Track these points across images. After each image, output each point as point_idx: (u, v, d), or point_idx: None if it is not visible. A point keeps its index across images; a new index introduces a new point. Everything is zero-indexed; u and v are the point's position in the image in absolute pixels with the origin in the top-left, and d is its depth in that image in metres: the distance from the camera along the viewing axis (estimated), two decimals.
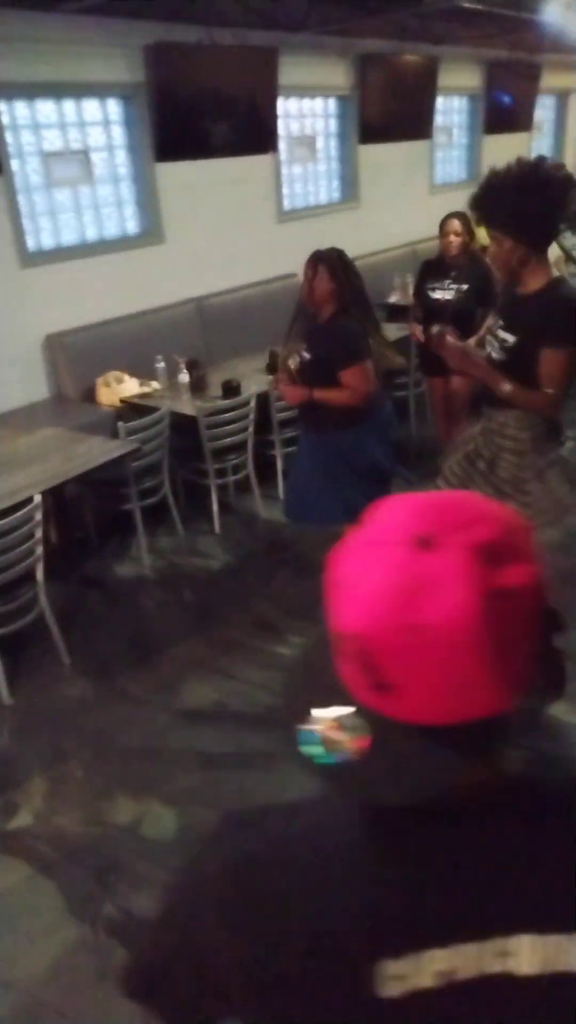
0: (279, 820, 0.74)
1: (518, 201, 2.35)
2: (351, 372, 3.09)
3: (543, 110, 9.42)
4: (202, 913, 0.71)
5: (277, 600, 3.75)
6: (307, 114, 6.51)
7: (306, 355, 3.22)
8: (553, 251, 4.95)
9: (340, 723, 0.64)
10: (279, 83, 5.61)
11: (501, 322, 2.59)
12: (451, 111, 8.04)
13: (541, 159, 2.44)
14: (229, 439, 4.32)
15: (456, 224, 4.49)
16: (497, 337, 2.58)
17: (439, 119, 7.55)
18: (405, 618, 0.59)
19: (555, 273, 2.58)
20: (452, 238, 4.50)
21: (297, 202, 6.52)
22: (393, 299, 6.56)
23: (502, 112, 8.21)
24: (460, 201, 8.18)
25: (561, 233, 5.49)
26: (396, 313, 6.37)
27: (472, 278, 4.43)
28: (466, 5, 5.76)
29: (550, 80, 8.87)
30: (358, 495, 3.12)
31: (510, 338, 2.52)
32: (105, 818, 2.63)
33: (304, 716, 0.66)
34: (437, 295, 4.60)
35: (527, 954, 0.65)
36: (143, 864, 2.43)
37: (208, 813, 2.59)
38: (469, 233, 4.57)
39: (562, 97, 9.79)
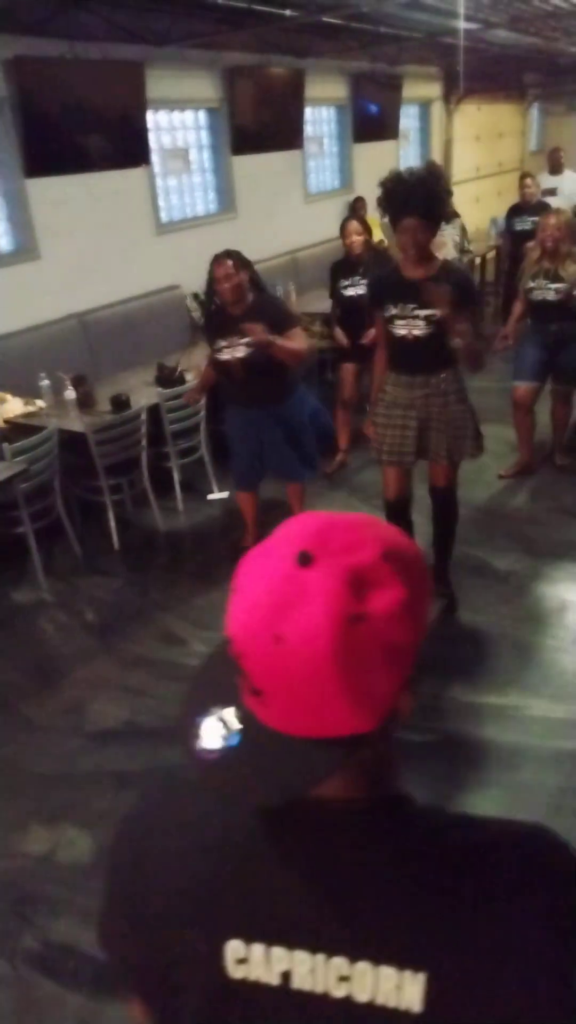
0: (185, 790, 0.77)
1: (427, 194, 2.97)
2: (296, 331, 3.65)
3: (408, 119, 9.79)
4: (111, 851, 0.80)
5: (183, 612, 3.75)
6: (178, 126, 6.53)
7: (246, 340, 3.52)
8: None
9: (222, 720, 0.67)
10: (148, 96, 5.61)
11: (412, 304, 3.11)
12: (320, 121, 8.24)
13: (430, 163, 3.19)
14: (122, 454, 4.28)
15: (356, 225, 4.91)
16: (417, 316, 3.12)
17: (309, 129, 7.73)
18: (271, 628, 0.61)
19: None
20: (355, 238, 4.86)
21: (175, 214, 6.53)
22: None
23: (369, 121, 8.48)
24: (335, 208, 8.45)
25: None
26: None
27: (379, 271, 4.66)
28: (327, 20, 5.95)
29: (412, 90, 9.24)
30: (314, 448, 4.08)
31: (435, 312, 3.05)
32: (18, 850, 2.56)
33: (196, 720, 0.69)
34: (350, 292, 4.92)
35: (366, 982, 0.66)
36: (60, 891, 2.39)
37: None
38: (367, 231, 5.01)
39: (425, 106, 10.20)
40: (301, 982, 0.68)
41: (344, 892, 0.68)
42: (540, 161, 8.52)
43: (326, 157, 8.47)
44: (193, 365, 4.90)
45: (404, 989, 0.66)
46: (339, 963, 0.67)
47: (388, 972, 0.66)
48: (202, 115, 6.69)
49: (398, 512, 3.51)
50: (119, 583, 4.08)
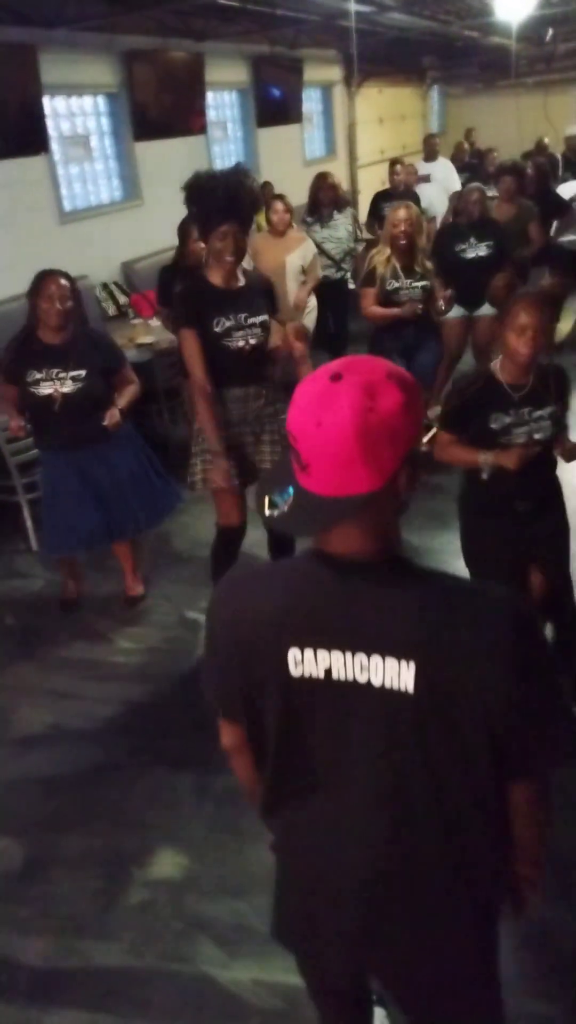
0: (257, 567, 1.39)
1: (253, 201, 2.89)
2: (129, 370, 3.43)
3: (311, 102, 9.79)
4: (210, 618, 1.22)
5: (106, 609, 3.68)
6: (78, 112, 6.36)
7: (74, 373, 3.17)
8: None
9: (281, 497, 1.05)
10: (43, 81, 5.43)
11: (244, 313, 2.94)
12: (223, 106, 8.16)
13: (238, 166, 3.12)
14: (35, 450, 4.16)
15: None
16: (253, 324, 2.95)
17: (212, 114, 7.64)
18: (314, 418, 0.97)
19: None
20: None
21: (79, 203, 6.36)
22: None
23: (272, 105, 8.44)
24: None
25: (310, 226, 5.76)
26: None
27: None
28: (223, 2, 5.87)
29: (313, 74, 9.23)
30: (163, 473, 3.68)
31: (265, 317, 2.99)
32: None
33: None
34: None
35: (379, 670, 1.05)
36: None
37: (58, 838, 2.52)
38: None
39: (327, 89, 10.21)
40: (337, 674, 1.07)
41: (363, 611, 1.05)
42: (442, 142, 8.61)
43: (231, 142, 8.39)
44: None
45: (401, 675, 1.03)
46: (360, 658, 1.06)
47: (391, 662, 1.04)
48: (101, 101, 6.53)
49: (239, 539, 3.22)
50: (39, 584, 3.98)
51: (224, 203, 2.79)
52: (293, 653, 1.08)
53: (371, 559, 1.05)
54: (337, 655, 1.06)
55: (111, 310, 6.22)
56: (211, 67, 7.18)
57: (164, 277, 4.70)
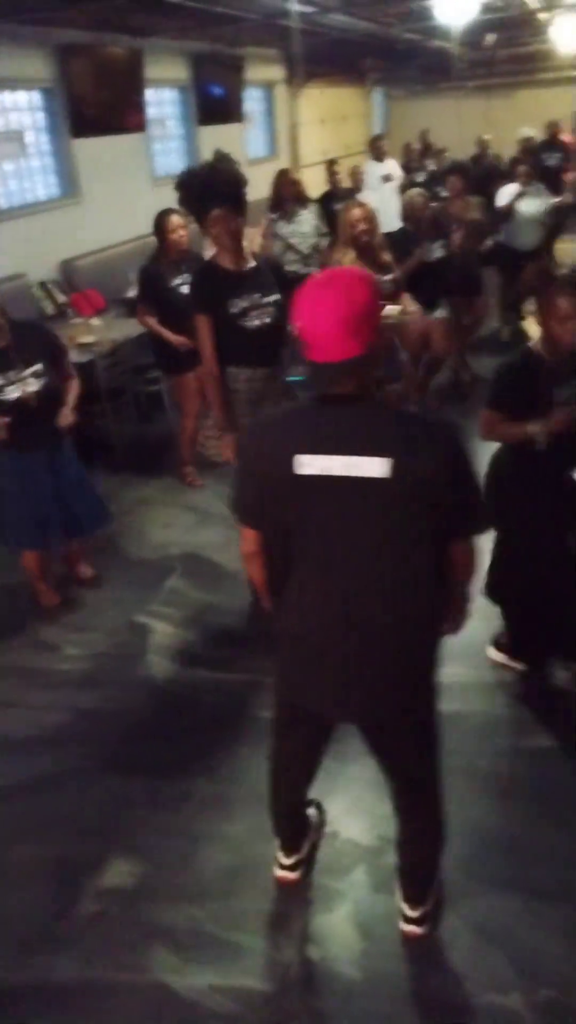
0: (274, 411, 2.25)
1: (227, 181, 2.97)
2: (69, 360, 3.46)
3: (253, 102, 9.76)
4: (242, 447, 1.96)
5: (53, 616, 3.60)
6: (11, 108, 6.21)
7: (32, 370, 3.16)
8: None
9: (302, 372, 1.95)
10: None
11: (257, 294, 3.04)
12: (163, 103, 8.07)
13: (218, 152, 3.15)
14: None
15: (178, 219, 4.28)
16: (267, 304, 3.06)
17: (152, 111, 7.55)
18: (312, 313, 1.49)
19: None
20: (180, 232, 4.30)
21: (14, 199, 6.21)
22: (131, 294, 6.47)
23: (213, 104, 8.38)
24: None
25: (275, 223, 5.74)
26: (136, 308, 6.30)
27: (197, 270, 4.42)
28: None
29: (255, 72, 9.20)
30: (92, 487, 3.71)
31: (278, 296, 3.07)
32: None
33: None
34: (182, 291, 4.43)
35: (363, 465, 1.51)
36: None
37: (6, 850, 2.45)
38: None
39: (269, 89, 10.20)
40: (332, 471, 1.53)
41: (352, 426, 1.55)
42: (385, 144, 8.67)
43: (171, 140, 8.31)
44: None
45: (381, 466, 1.50)
46: (349, 458, 1.52)
47: (373, 459, 1.51)
48: (36, 96, 6.39)
49: None
50: None
51: (205, 190, 2.93)
52: (298, 458, 1.54)
53: (358, 397, 1.56)
54: (334, 458, 1.53)
55: (49, 309, 6.08)
56: (150, 64, 7.09)
57: (146, 275, 4.51)
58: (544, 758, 2.66)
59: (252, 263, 3.10)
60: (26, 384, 3.11)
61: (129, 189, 7.22)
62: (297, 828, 2.27)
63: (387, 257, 4.25)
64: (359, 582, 1.63)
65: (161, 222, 4.35)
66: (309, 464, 1.54)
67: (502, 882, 2.24)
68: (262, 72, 9.59)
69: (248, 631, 3.40)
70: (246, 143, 9.55)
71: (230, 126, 8.79)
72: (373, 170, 8.00)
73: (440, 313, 5.06)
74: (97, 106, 6.56)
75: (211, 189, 2.97)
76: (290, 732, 1.99)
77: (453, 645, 3.12)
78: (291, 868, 2.25)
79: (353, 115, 12.87)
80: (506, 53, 11.23)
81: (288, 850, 2.25)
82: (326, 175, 7.03)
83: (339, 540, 1.60)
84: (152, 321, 4.46)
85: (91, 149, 6.67)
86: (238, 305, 3.01)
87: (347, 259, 4.10)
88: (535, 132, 9.50)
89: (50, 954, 2.14)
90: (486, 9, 7.54)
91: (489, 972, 2.02)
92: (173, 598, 3.70)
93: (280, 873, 2.26)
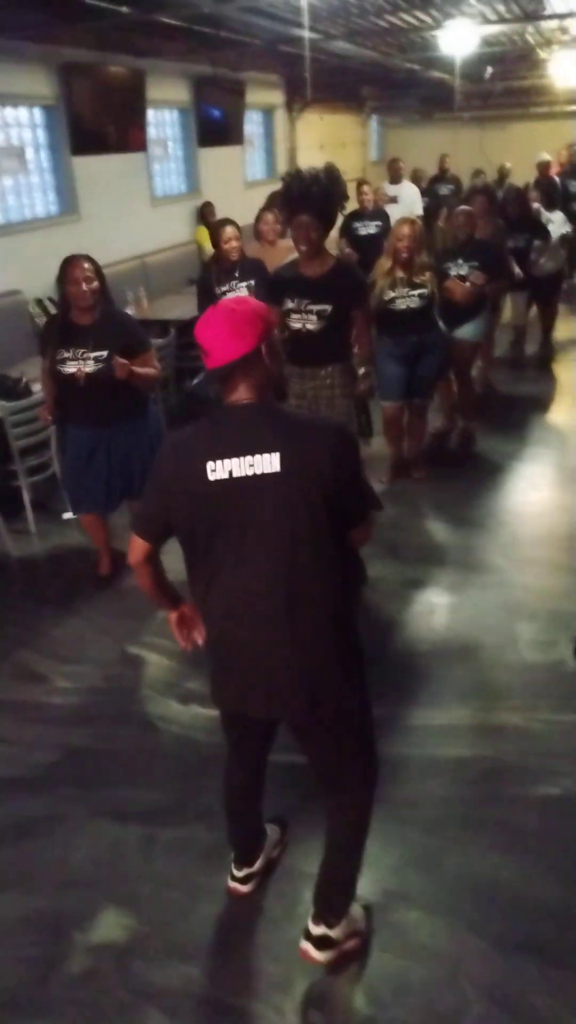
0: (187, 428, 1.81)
1: (322, 193, 3.18)
2: (150, 354, 3.57)
3: (252, 125, 9.78)
4: (158, 463, 1.80)
5: (41, 646, 3.48)
6: (12, 124, 6.16)
7: (96, 354, 3.39)
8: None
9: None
10: None
11: (306, 300, 3.35)
12: (164, 124, 8.06)
13: (328, 165, 3.29)
14: (43, 433, 4.12)
15: (232, 231, 4.51)
16: (311, 311, 3.36)
17: (153, 132, 7.53)
18: (209, 327, 1.69)
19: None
20: (233, 243, 4.48)
21: (12, 215, 6.14)
22: (130, 312, 6.41)
23: (214, 126, 8.38)
24: (182, 213, 8.29)
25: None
26: None
27: (255, 274, 4.50)
28: (165, 20, 5.79)
29: (255, 96, 9.23)
30: None
31: (328, 308, 3.34)
32: None
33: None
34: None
35: (258, 463, 1.65)
36: None
37: None
38: (239, 238, 4.59)
39: (268, 112, 10.24)
40: (236, 472, 1.66)
41: (249, 430, 1.69)
42: (380, 170, 8.78)
43: (171, 161, 8.29)
44: (38, 376, 4.59)
45: (272, 462, 1.65)
46: (247, 458, 1.66)
47: (265, 456, 1.65)
48: (38, 113, 6.34)
49: None
50: None
51: (302, 195, 3.17)
52: (209, 465, 1.67)
53: (253, 403, 1.71)
54: (235, 460, 1.66)
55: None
56: (152, 85, 7.07)
57: (202, 285, 4.72)
58: (553, 808, 2.57)
59: (323, 270, 3.38)
60: (84, 364, 3.37)
61: (128, 208, 7.18)
62: (250, 840, 2.28)
63: (424, 276, 4.33)
64: (266, 579, 1.72)
65: (216, 232, 4.56)
66: (218, 470, 1.66)
67: (514, 945, 2.13)
68: (262, 96, 9.63)
69: None
70: (245, 165, 9.57)
71: (230, 148, 8.80)
72: (390, 191, 8.11)
73: (468, 331, 5.08)
74: (98, 125, 6.52)
75: (306, 194, 3.19)
76: (229, 735, 2.09)
77: (455, 687, 3.07)
78: (241, 881, 2.27)
79: (351, 142, 12.97)
80: (503, 86, 11.34)
81: (239, 863, 2.27)
82: (356, 194, 7.10)
83: (249, 540, 1.70)
84: None
85: (91, 167, 6.62)
86: (287, 305, 3.39)
87: (384, 266, 4.36)
88: (551, 157, 9.60)
89: (35, 1019, 2.01)
90: (485, 43, 7.62)
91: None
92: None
93: (231, 884, 2.28)
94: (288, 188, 3.23)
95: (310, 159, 11.06)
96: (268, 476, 1.65)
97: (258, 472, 1.65)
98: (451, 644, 3.38)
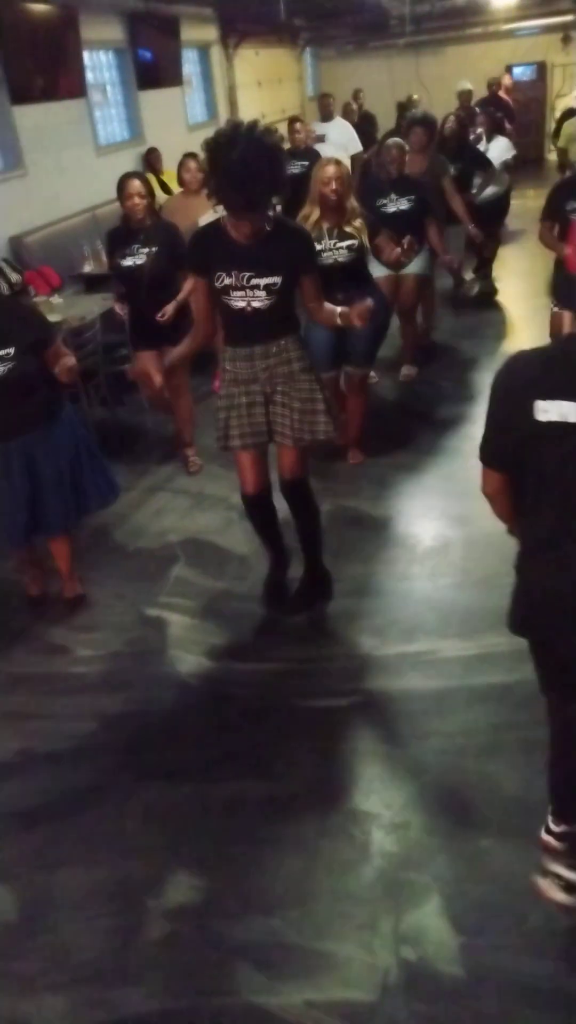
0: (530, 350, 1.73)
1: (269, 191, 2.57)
2: (60, 344, 3.19)
3: (190, 64, 9.36)
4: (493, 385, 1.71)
5: (61, 619, 3.35)
6: None
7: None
8: None
9: None
10: None
11: (248, 272, 2.67)
12: (101, 67, 7.64)
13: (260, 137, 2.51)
14: None
15: (137, 185, 4.03)
16: (256, 286, 2.69)
17: (91, 76, 7.14)
18: None
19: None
20: (136, 200, 4.01)
21: None
22: (87, 269, 6.16)
23: (151, 67, 7.97)
24: (128, 160, 7.91)
25: None
26: (95, 283, 5.99)
27: (160, 239, 4.07)
28: None
29: (190, 33, 8.80)
30: (103, 466, 3.42)
31: (277, 280, 2.69)
32: None
33: None
34: (128, 262, 4.09)
35: None
36: None
37: (52, 877, 2.25)
38: (151, 194, 4.15)
39: (204, 50, 9.79)
40: (570, 417, 1.54)
41: None
42: (331, 102, 8.43)
43: (112, 107, 7.89)
44: None
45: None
46: None
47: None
48: None
49: (262, 505, 3.13)
50: None
51: (247, 205, 2.53)
52: (538, 404, 1.55)
53: None
54: (570, 403, 1.52)
55: (3, 288, 5.70)
56: (86, 24, 6.66)
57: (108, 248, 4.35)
58: None
59: (262, 232, 2.67)
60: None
61: (74, 159, 6.84)
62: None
63: (356, 224, 3.84)
64: None
65: (120, 187, 4.08)
66: (549, 410, 1.55)
67: None
68: (196, 32, 9.19)
69: (267, 617, 3.24)
70: (186, 107, 9.17)
71: (170, 90, 8.40)
72: (319, 130, 7.81)
73: (414, 267, 4.92)
74: (35, 71, 6.14)
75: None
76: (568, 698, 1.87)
77: (489, 615, 3.05)
78: (558, 837, 2.06)
79: (287, 77, 12.53)
80: (441, 7, 11.00)
81: (559, 816, 2.06)
82: (289, 133, 6.74)
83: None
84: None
85: (33, 118, 6.26)
86: (222, 281, 2.73)
87: (312, 218, 3.78)
88: (472, 86, 9.42)
89: (122, 987, 1.96)
90: None
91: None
92: (181, 588, 3.49)
93: (544, 837, 2.08)
94: (226, 192, 2.52)
95: (249, 97, 10.67)
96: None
97: None
98: (471, 575, 3.35)
